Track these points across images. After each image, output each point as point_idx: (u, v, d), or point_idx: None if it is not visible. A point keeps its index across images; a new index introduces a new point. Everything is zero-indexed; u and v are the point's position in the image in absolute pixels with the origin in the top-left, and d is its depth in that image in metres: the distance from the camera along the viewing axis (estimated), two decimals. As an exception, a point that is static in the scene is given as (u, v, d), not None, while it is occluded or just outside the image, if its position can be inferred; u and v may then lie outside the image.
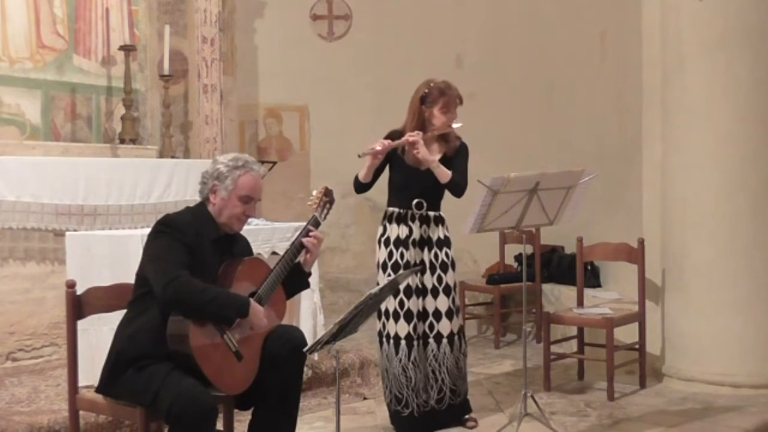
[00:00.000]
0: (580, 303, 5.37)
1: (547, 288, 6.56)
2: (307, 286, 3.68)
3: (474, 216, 4.03)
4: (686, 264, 5.07)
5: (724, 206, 4.97)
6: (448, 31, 7.54)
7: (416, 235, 4.30)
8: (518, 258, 6.83)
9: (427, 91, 4.29)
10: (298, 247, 3.50)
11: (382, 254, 4.33)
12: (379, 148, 4.18)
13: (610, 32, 6.44)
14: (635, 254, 5.18)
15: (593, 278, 6.36)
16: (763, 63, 4.95)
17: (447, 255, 4.34)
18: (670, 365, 5.21)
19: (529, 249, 5.67)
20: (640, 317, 5.18)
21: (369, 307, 3.18)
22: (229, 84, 7.12)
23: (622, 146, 6.13)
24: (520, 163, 5.79)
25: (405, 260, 4.27)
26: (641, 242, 5.18)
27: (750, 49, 4.94)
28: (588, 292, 5.68)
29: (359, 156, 4.23)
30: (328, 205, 3.66)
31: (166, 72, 6.20)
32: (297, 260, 3.51)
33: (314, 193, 3.65)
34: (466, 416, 4.41)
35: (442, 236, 4.34)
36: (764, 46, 4.95)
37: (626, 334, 5.29)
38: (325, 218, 3.64)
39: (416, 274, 4.27)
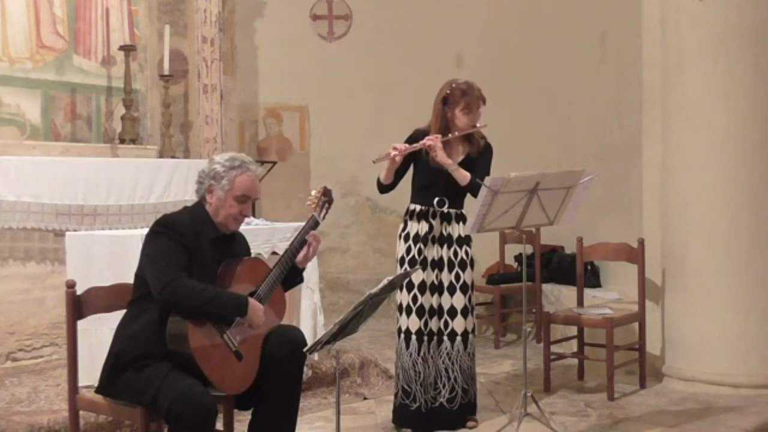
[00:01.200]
0: (580, 303, 5.37)
1: (547, 288, 6.56)
2: (301, 280, 3.69)
3: (474, 216, 4.03)
4: (686, 264, 5.07)
5: (724, 206, 4.97)
6: (448, 31, 7.54)
7: (436, 231, 4.32)
8: (518, 258, 6.83)
9: (449, 92, 4.30)
10: (297, 246, 3.50)
11: (401, 249, 4.36)
12: (394, 152, 4.19)
13: (610, 32, 6.44)
14: (635, 254, 5.18)
15: (593, 278, 6.36)
16: (763, 63, 4.96)
17: (467, 253, 4.36)
18: (670, 365, 5.21)
19: (529, 249, 5.67)
20: (640, 317, 5.18)
21: (369, 307, 3.18)
22: (229, 84, 7.12)
23: (622, 146, 6.13)
24: (520, 163, 5.78)
25: (422, 256, 4.30)
26: (641, 242, 5.18)
27: (750, 49, 4.94)
28: (588, 292, 5.68)
29: (374, 162, 4.25)
30: (327, 205, 3.66)
31: (166, 72, 6.19)
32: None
33: (313, 193, 3.65)
34: (468, 416, 4.41)
35: (462, 234, 4.35)
36: (764, 46, 4.95)
37: (626, 334, 5.29)
38: (324, 218, 3.64)
39: (432, 270, 4.29)
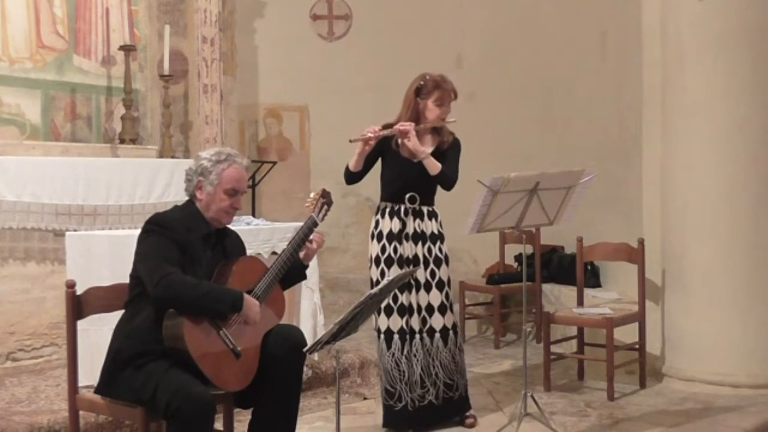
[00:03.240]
0: (580, 303, 5.37)
1: (547, 288, 6.56)
2: (304, 277, 3.70)
3: (474, 216, 4.03)
4: (686, 264, 5.07)
5: (724, 206, 4.97)
6: (448, 31, 7.54)
7: (410, 229, 4.31)
8: (518, 258, 6.83)
9: (422, 83, 4.30)
10: (295, 246, 3.51)
11: (374, 249, 4.34)
12: (370, 134, 4.18)
13: (610, 32, 6.44)
14: (635, 254, 5.18)
15: (593, 278, 6.36)
16: (763, 63, 4.95)
17: (441, 250, 4.35)
18: (670, 365, 5.21)
19: (529, 249, 5.67)
20: (640, 317, 5.18)
21: (369, 307, 3.18)
22: (229, 84, 7.12)
23: (622, 146, 6.13)
24: (520, 163, 5.79)
25: (398, 254, 4.29)
26: (641, 242, 5.18)
27: (750, 49, 4.94)
28: (588, 292, 5.69)
29: (350, 141, 4.23)
30: (325, 207, 3.67)
31: (166, 72, 6.19)
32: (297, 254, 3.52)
33: (311, 195, 3.66)
34: (466, 414, 4.42)
35: (435, 231, 4.34)
36: (764, 46, 4.95)
37: (626, 334, 5.29)
38: (322, 219, 3.65)
39: (407, 267, 4.27)
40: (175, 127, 6.51)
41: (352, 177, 4.34)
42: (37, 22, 5.81)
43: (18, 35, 5.72)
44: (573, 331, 5.46)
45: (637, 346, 5.20)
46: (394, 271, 4.23)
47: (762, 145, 4.97)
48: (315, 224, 3.59)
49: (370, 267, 4.37)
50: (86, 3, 6.09)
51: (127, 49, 6.13)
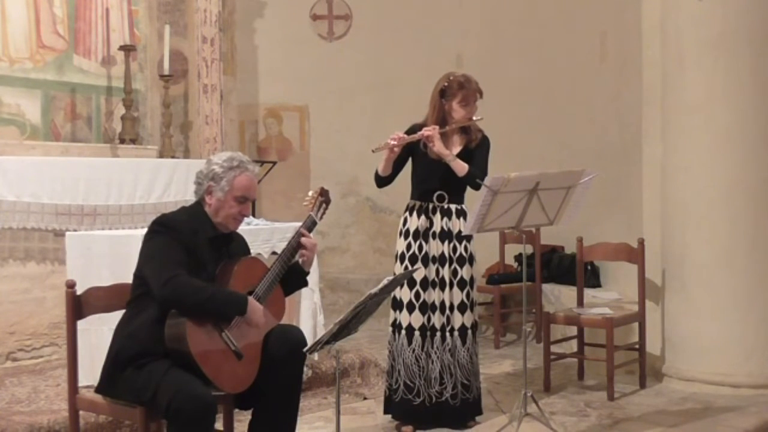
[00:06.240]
0: (580, 303, 5.37)
1: (547, 288, 6.56)
2: (305, 284, 3.69)
3: (474, 216, 4.03)
4: (686, 264, 5.07)
5: (724, 206, 4.97)
6: (448, 31, 7.54)
7: (437, 227, 4.32)
8: (518, 258, 6.84)
9: (446, 84, 4.30)
10: (294, 246, 3.50)
11: (400, 245, 4.37)
12: (393, 142, 4.20)
13: (610, 32, 6.44)
14: (635, 254, 5.18)
15: (593, 278, 6.35)
16: (763, 63, 4.96)
17: (466, 249, 4.36)
18: (670, 365, 5.21)
19: (529, 249, 5.67)
20: (640, 317, 5.18)
21: (369, 307, 3.18)
22: (229, 84, 7.13)
23: (622, 146, 6.13)
24: (520, 163, 5.77)
25: (423, 252, 4.31)
26: (641, 242, 5.18)
27: (750, 49, 4.94)
28: (588, 292, 5.68)
29: (373, 151, 4.24)
30: (324, 205, 3.66)
31: (166, 72, 6.20)
32: (295, 260, 3.51)
33: (310, 194, 3.65)
34: (471, 415, 4.42)
35: (462, 229, 4.35)
36: (764, 46, 4.96)
37: (626, 334, 5.29)
38: (321, 218, 3.64)
39: (434, 266, 4.29)
40: (175, 127, 6.52)
41: (382, 181, 4.37)
42: (37, 22, 5.82)
43: (18, 35, 5.72)
44: (573, 331, 5.46)
45: (637, 346, 5.20)
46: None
47: (762, 145, 4.97)
48: (314, 223, 3.59)
49: (395, 263, 4.38)
50: (86, 3, 6.09)
51: (127, 49, 6.13)
